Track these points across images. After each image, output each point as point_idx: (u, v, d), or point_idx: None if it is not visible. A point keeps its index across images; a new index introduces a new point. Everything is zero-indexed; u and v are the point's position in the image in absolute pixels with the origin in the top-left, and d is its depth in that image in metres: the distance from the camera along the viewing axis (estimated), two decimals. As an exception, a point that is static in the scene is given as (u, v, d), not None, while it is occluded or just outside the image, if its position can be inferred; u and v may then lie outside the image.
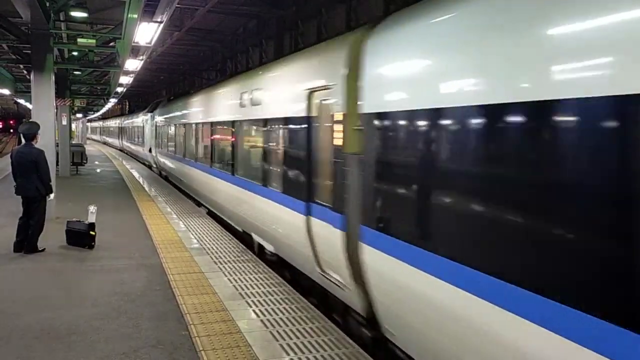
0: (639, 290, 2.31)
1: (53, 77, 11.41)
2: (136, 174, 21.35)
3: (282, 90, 7.05)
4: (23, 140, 8.30)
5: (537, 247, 2.84)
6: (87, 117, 58.10)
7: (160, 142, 19.92)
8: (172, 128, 16.75)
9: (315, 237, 5.71)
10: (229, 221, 10.11)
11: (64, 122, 19.99)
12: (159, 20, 8.48)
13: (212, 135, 11.18)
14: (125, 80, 19.55)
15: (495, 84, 3.16)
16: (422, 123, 3.87)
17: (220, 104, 10.82)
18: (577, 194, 2.62)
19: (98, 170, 22.95)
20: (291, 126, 6.50)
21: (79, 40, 13.07)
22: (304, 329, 5.20)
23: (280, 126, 6.85)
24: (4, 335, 5.01)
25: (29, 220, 8.08)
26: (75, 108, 29.43)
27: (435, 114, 3.68)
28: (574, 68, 2.64)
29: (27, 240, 8.03)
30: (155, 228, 10.07)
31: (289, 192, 6.42)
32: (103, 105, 40.83)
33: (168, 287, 6.50)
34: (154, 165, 22.30)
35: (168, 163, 17.94)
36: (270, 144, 7.26)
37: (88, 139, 65.79)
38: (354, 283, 4.94)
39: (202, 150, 12.44)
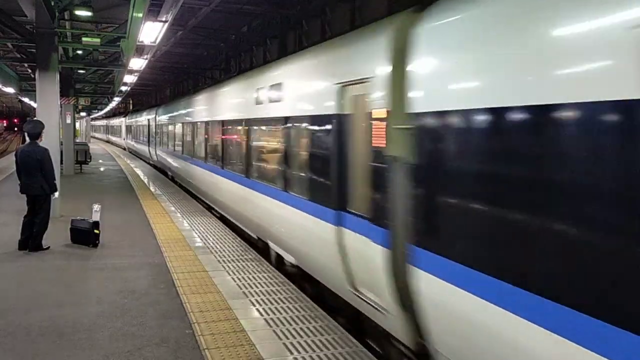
0: None
1: (58, 76, 11.45)
2: (140, 173, 21.40)
3: None
4: (28, 139, 8.33)
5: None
6: (92, 116, 58.26)
7: None
8: None
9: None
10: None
11: (68, 121, 20.05)
12: (163, 19, 8.50)
13: None
14: (130, 79, 19.61)
15: None
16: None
17: None
18: None
19: (102, 169, 23.01)
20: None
21: (84, 39, 13.12)
22: (307, 327, 5.21)
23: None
24: (9, 332, 5.04)
25: (34, 219, 8.11)
26: (80, 107, 29.50)
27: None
28: None
29: (31, 238, 8.07)
30: (159, 227, 10.10)
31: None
32: (107, 104, 40.96)
33: (172, 285, 6.51)
34: None
35: None
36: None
37: (93, 137, 65.50)
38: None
39: None
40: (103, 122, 66.95)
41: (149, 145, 25.24)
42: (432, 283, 3.71)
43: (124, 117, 40.80)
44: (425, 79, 3.85)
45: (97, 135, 69.43)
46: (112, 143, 51.80)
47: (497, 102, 3.12)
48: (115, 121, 50.06)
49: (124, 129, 40.95)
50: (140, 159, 29.90)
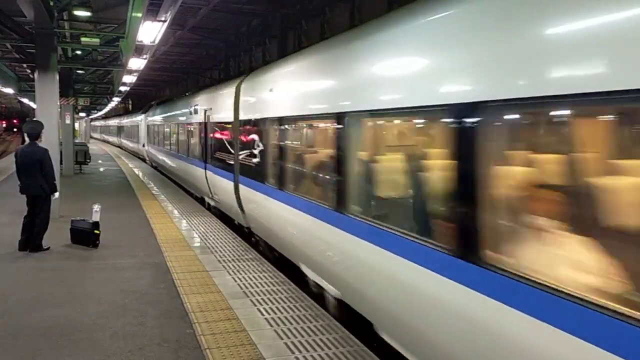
0: None
1: (57, 76, 11.44)
2: (139, 173, 21.38)
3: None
4: (27, 140, 8.32)
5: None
6: (91, 117, 58.00)
7: None
8: None
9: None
10: None
11: (68, 121, 20.06)
12: (162, 19, 8.49)
13: None
14: (129, 79, 19.58)
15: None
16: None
17: None
18: None
19: (101, 169, 23.00)
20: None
21: (83, 39, 13.12)
22: (308, 327, 5.21)
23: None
24: (11, 332, 5.03)
25: (34, 219, 8.10)
26: (79, 107, 29.49)
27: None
28: None
29: (31, 238, 8.06)
30: (159, 227, 10.09)
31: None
32: (106, 105, 40.91)
33: (172, 285, 6.51)
34: None
35: None
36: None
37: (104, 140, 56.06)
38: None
39: None
40: (113, 122, 50.76)
41: (205, 169, 12.18)
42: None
43: (143, 113, 27.25)
44: None
45: (107, 137, 55.41)
46: (127, 150, 37.75)
47: None
48: (130, 120, 35.50)
49: (142, 131, 27.34)
50: (177, 184, 17.26)
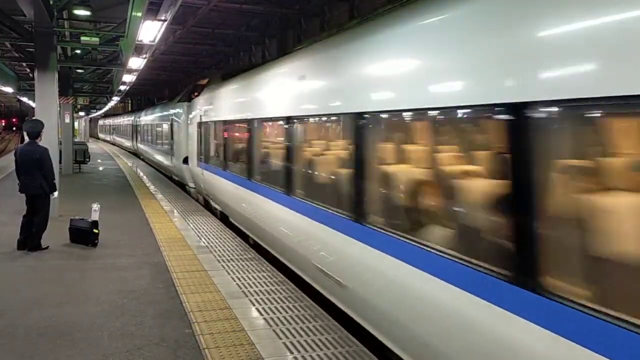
0: None
1: (56, 75, 11.42)
2: (139, 172, 21.36)
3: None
4: (27, 138, 8.31)
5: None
6: (90, 116, 57.58)
7: None
8: None
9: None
10: None
11: (67, 120, 20.04)
12: (163, 18, 8.49)
13: None
14: (129, 78, 19.58)
15: None
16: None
17: None
18: None
19: (101, 169, 22.98)
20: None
21: (82, 38, 13.09)
22: (307, 327, 5.21)
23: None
24: (8, 332, 5.03)
25: (33, 218, 8.10)
26: (78, 106, 29.43)
27: None
28: None
29: (30, 238, 8.05)
30: (158, 226, 10.09)
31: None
32: (106, 104, 40.85)
33: (171, 285, 6.51)
34: None
35: None
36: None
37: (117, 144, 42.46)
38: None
39: None
40: (126, 120, 36.54)
41: None
42: None
43: (184, 101, 15.86)
44: None
45: (118, 139, 42.74)
46: (153, 165, 23.78)
47: None
48: (153, 117, 22.66)
49: (182, 139, 15.41)
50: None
